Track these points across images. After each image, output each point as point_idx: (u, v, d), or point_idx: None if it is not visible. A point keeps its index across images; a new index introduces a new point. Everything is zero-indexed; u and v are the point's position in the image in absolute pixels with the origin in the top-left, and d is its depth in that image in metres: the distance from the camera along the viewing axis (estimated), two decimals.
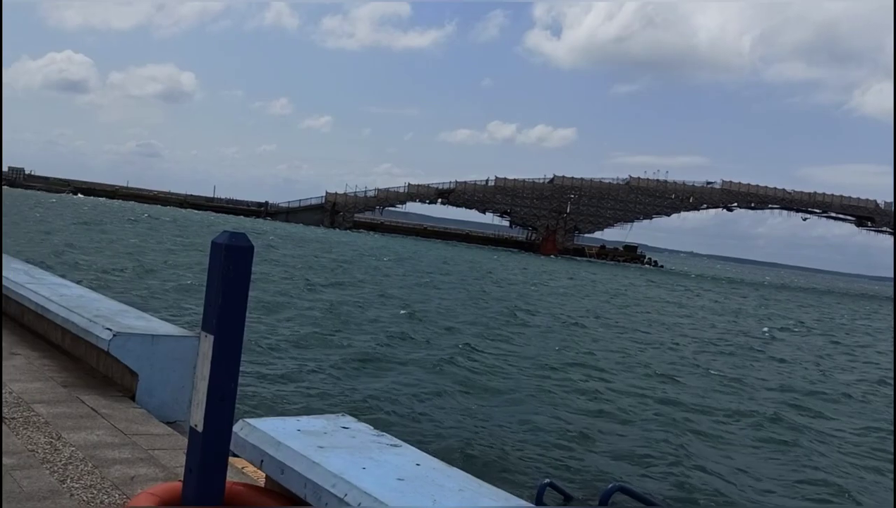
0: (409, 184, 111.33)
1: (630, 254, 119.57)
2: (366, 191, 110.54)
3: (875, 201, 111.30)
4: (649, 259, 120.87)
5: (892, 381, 20.51)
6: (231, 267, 2.56)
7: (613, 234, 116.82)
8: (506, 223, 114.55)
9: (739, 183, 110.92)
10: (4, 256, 8.23)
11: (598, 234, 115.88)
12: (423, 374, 14.72)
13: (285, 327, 18.44)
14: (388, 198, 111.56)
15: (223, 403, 2.59)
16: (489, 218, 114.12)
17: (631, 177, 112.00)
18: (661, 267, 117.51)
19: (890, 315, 64.71)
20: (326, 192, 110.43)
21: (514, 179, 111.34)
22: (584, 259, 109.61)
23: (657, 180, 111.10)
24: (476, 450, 10.32)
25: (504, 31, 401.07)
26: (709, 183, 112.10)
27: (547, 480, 7.96)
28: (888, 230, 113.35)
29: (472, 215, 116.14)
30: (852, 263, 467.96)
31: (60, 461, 3.70)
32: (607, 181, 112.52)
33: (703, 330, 30.80)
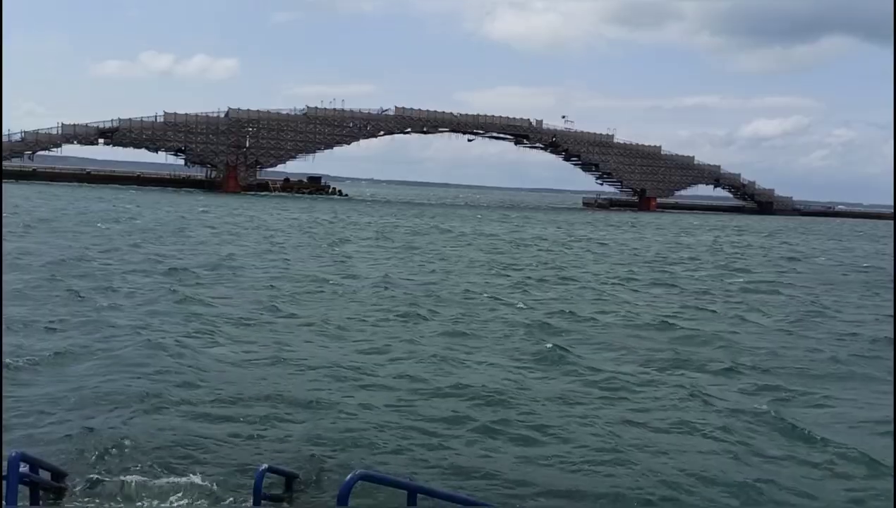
0: (62, 124, 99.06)
1: (315, 186, 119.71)
2: (10, 135, 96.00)
3: (528, 120, 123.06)
4: (333, 188, 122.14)
5: None
6: None
7: (297, 166, 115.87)
8: (181, 161, 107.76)
9: (412, 108, 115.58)
10: None
11: (281, 167, 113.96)
12: None
13: None
14: (38, 142, 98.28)
15: None
16: (162, 157, 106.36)
17: (308, 107, 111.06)
18: (346, 195, 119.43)
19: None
20: None
21: (186, 114, 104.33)
22: (269, 194, 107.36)
23: (334, 109, 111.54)
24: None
25: None
26: (383, 110, 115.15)
27: (264, 465, 7.17)
28: (540, 146, 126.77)
29: (142, 155, 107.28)
30: (509, 178, 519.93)
31: None
32: (285, 112, 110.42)
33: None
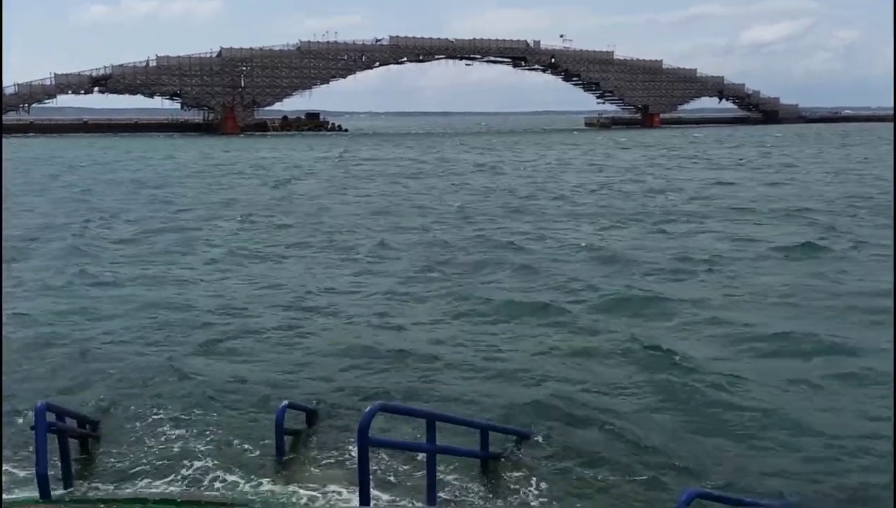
0: (55, 73, 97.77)
1: (314, 122, 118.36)
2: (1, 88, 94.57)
3: (525, 41, 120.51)
4: (333, 124, 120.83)
5: None
6: None
7: (294, 103, 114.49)
8: (177, 105, 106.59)
9: (406, 37, 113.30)
10: None
11: (278, 105, 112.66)
12: None
13: None
14: (32, 94, 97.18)
15: None
16: (158, 102, 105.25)
17: (301, 42, 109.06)
18: (346, 130, 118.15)
19: None
20: None
21: (179, 57, 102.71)
22: (268, 133, 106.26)
23: (328, 42, 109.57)
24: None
25: None
26: (377, 40, 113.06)
27: (285, 402, 7.30)
28: (539, 67, 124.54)
29: (138, 101, 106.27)
30: (510, 102, 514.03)
31: None
32: (278, 49, 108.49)
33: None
